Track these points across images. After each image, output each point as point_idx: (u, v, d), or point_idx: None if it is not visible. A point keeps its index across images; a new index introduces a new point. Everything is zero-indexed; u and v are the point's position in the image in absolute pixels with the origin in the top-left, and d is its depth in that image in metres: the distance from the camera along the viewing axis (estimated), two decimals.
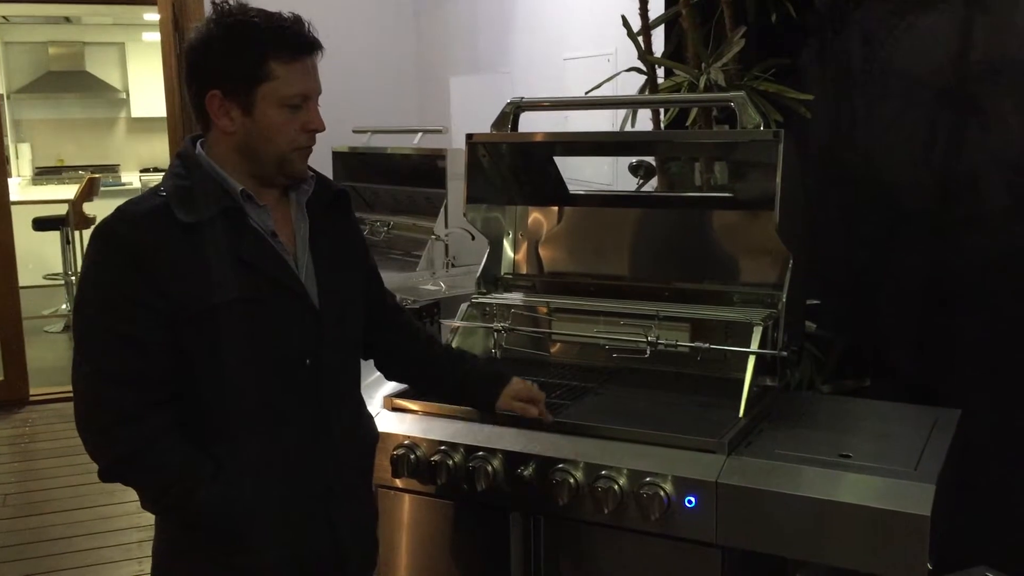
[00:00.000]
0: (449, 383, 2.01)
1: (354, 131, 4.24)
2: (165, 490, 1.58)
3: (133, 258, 1.52)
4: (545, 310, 2.45)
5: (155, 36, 7.51)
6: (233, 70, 1.55)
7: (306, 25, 1.61)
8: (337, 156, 4.23)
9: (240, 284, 1.57)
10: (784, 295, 2.11)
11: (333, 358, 1.69)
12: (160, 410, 1.56)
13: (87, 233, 8.50)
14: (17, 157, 10.37)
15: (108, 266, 1.55)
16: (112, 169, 10.98)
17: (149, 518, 3.41)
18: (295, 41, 1.58)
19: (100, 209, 7.91)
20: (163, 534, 1.71)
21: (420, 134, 4.08)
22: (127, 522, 3.89)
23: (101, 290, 1.55)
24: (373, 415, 1.96)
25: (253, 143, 1.60)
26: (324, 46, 1.63)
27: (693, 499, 1.80)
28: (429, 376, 2.03)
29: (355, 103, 5.48)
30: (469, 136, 2.38)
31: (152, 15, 8.32)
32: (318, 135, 1.67)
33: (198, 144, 1.65)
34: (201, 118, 1.62)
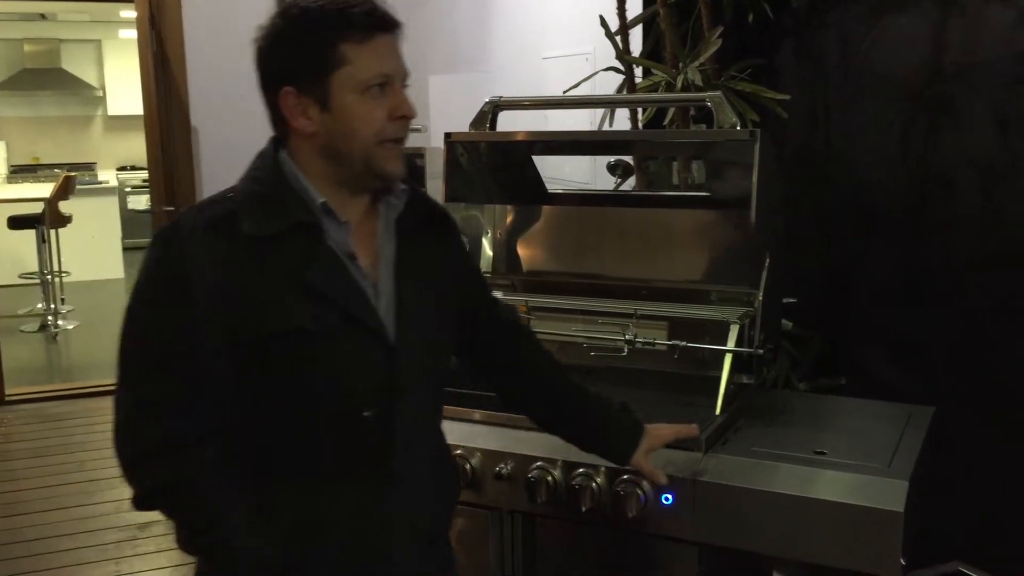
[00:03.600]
0: (577, 430, 1.77)
1: None
2: (196, 533, 1.41)
3: (187, 275, 1.35)
4: (524, 308, 2.45)
5: (132, 33, 7.44)
6: (302, 61, 1.38)
7: (377, 2, 1.42)
8: None
9: (302, 313, 1.36)
10: (761, 294, 2.12)
11: (409, 403, 1.45)
12: (201, 445, 1.38)
13: (63, 232, 8.44)
14: None
15: (159, 280, 1.39)
16: (89, 167, 10.92)
17: (127, 519, 3.38)
18: (365, 19, 1.39)
19: (76, 208, 7.89)
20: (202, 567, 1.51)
21: None
22: (104, 523, 3.86)
23: (148, 307, 1.39)
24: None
25: (336, 142, 1.40)
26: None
27: (670, 496, 1.81)
28: (555, 417, 1.78)
29: None
30: (448, 135, 2.38)
31: (129, 12, 8.24)
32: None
33: (281, 148, 1.46)
34: (277, 123, 1.44)
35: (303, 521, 1.40)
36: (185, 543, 1.43)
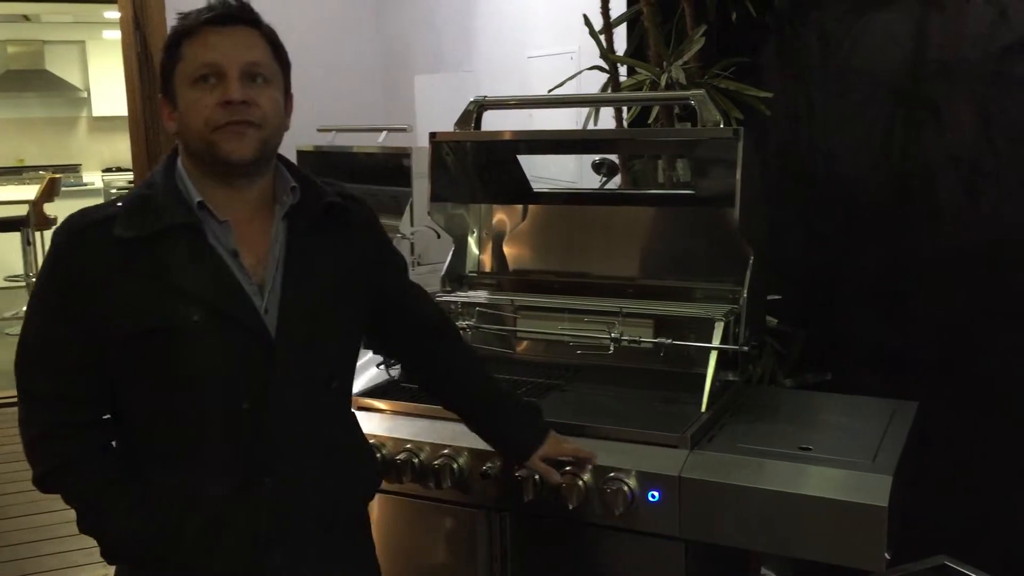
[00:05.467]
0: (484, 427, 1.87)
1: (319, 130, 4.22)
2: (83, 515, 1.51)
3: (64, 275, 1.45)
4: (510, 308, 2.46)
5: (116, 34, 7.40)
6: (162, 68, 1.49)
7: (228, 1, 1.49)
8: (302, 155, 4.20)
9: (167, 312, 1.42)
10: (745, 291, 2.13)
11: (287, 398, 1.50)
12: (84, 432, 1.50)
13: (48, 234, 8.39)
14: None
15: (45, 279, 1.49)
16: (74, 169, 10.85)
17: None
18: (197, 16, 1.46)
19: (61, 209, 7.83)
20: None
21: (385, 132, 4.07)
22: None
23: (35, 303, 1.50)
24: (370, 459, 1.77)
25: (185, 136, 1.47)
26: (252, 32, 1.46)
27: (656, 493, 1.81)
28: (467, 414, 1.88)
29: (319, 102, 5.44)
30: (433, 135, 2.38)
31: (113, 13, 8.21)
32: (269, 134, 1.47)
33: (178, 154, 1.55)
34: None
35: (177, 505, 1.47)
36: (79, 525, 1.52)
